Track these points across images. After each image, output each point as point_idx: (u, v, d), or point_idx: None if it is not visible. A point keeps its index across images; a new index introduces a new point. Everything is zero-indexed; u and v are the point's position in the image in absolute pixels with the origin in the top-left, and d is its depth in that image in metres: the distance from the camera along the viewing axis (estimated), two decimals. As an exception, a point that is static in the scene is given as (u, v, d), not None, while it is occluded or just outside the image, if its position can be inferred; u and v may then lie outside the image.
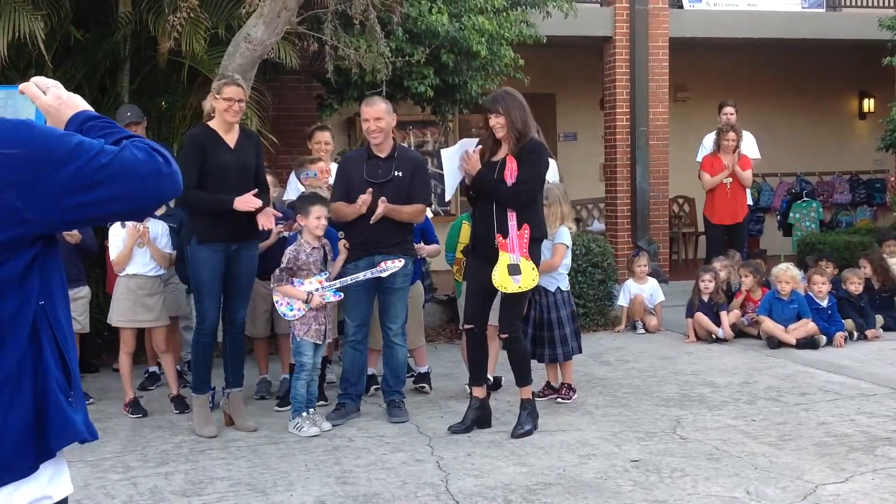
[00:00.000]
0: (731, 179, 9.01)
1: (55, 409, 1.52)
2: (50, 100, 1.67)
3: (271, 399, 6.20)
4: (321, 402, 5.87)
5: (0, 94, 1.74)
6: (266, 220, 5.29)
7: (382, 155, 5.57)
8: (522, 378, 5.37)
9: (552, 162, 7.11)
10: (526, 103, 5.30)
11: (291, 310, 5.38)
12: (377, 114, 5.49)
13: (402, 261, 5.42)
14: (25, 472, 1.51)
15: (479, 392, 5.44)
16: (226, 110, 5.26)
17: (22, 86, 1.68)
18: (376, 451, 5.00)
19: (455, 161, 5.37)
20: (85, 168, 1.46)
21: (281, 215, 5.61)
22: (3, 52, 6.41)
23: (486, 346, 5.48)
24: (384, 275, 5.38)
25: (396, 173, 5.53)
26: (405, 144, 7.74)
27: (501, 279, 5.14)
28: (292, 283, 5.38)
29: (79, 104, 1.69)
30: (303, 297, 5.33)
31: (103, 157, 1.49)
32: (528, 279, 5.16)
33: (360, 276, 5.40)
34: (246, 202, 5.21)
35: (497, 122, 5.23)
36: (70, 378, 1.57)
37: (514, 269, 5.14)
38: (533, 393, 5.97)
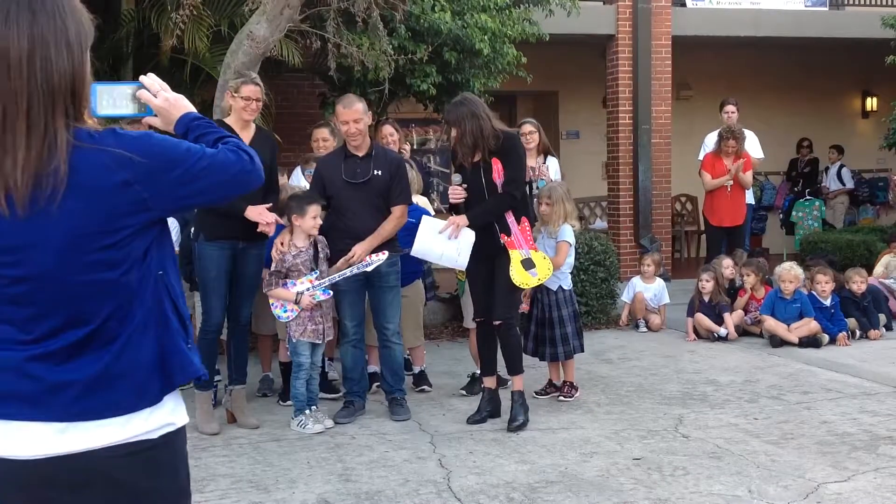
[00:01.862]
0: (731, 182, 9.00)
1: (176, 351, 1.92)
2: (160, 102, 2.03)
3: (274, 396, 6.21)
4: (333, 397, 5.94)
5: (122, 89, 2.03)
6: (266, 228, 5.29)
7: (360, 154, 5.55)
8: (515, 367, 5.46)
9: (554, 160, 7.16)
10: (480, 108, 5.29)
11: (285, 311, 5.40)
12: (355, 115, 5.45)
13: (386, 253, 5.39)
14: (154, 400, 1.89)
15: (491, 382, 5.60)
16: (243, 108, 5.28)
17: (139, 93, 2.01)
18: (378, 449, 5.00)
19: (436, 242, 5.35)
20: (192, 168, 1.87)
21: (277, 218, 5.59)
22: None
23: (495, 338, 5.56)
24: (369, 269, 5.36)
25: (375, 172, 5.50)
26: (406, 144, 7.71)
27: (521, 277, 5.26)
28: (285, 284, 5.39)
29: (183, 105, 2.06)
30: (292, 298, 5.34)
31: (204, 160, 1.89)
32: (543, 269, 5.31)
33: (347, 271, 5.38)
34: (259, 214, 5.22)
35: (454, 132, 5.34)
36: (186, 329, 1.97)
37: (528, 264, 5.27)
38: (534, 393, 6.01)
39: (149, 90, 2.02)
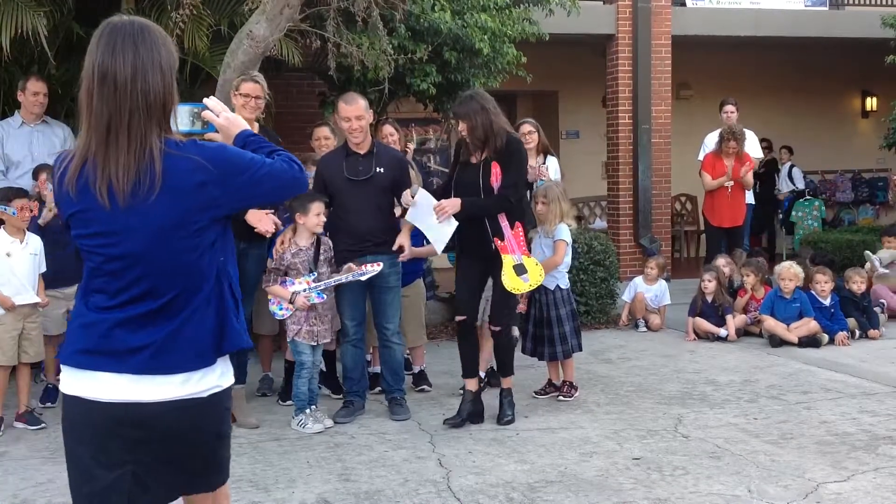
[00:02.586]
0: (731, 183, 9.00)
1: (230, 325, 2.38)
2: (222, 121, 2.51)
3: (273, 396, 6.21)
4: (337, 397, 5.94)
5: (191, 109, 2.54)
6: (264, 229, 5.30)
7: (361, 152, 5.55)
8: (508, 369, 5.55)
9: (554, 159, 7.16)
10: (490, 103, 5.30)
11: (281, 309, 5.42)
12: (358, 112, 5.45)
13: (381, 264, 5.37)
14: (210, 362, 2.35)
15: (472, 385, 5.53)
16: (243, 106, 5.30)
17: (204, 113, 2.48)
18: (378, 449, 5.00)
19: (426, 216, 5.35)
20: (255, 174, 2.32)
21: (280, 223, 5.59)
22: (6, 49, 6.41)
23: (475, 338, 5.62)
24: (363, 278, 5.35)
25: (378, 170, 5.50)
26: (411, 144, 7.71)
27: (512, 282, 5.26)
28: (284, 282, 5.39)
29: (240, 124, 2.53)
30: (287, 297, 5.35)
31: (264, 167, 2.34)
32: (535, 275, 5.29)
33: (342, 278, 5.38)
34: (259, 220, 5.22)
35: (462, 127, 5.32)
36: (237, 305, 2.44)
37: (520, 269, 5.26)
38: (534, 393, 6.00)
39: (212, 111, 2.50)
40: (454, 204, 5.29)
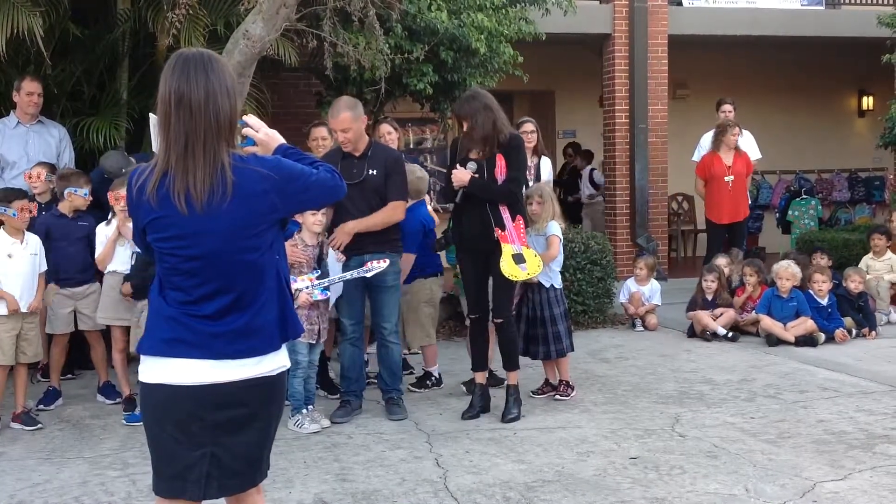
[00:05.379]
0: (732, 177, 8.99)
1: (291, 314, 2.71)
2: (262, 136, 2.79)
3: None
4: (334, 397, 5.94)
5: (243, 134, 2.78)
6: None
7: (357, 154, 5.57)
8: (514, 362, 5.61)
9: (547, 160, 7.18)
10: (492, 102, 5.39)
11: None
12: (341, 125, 5.44)
13: (388, 260, 5.39)
14: (277, 347, 2.66)
15: (481, 377, 5.68)
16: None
17: (245, 129, 2.76)
18: (375, 448, 5.00)
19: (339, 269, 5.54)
20: (304, 182, 2.62)
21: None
22: (1, 49, 6.39)
23: (487, 333, 5.71)
24: (369, 275, 5.35)
25: (370, 172, 5.51)
26: (403, 141, 7.69)
27: (510, 269, 5.35)
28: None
29: (277, 138, 2.80)
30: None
31: (313, 177, 2.65)
32: (533, 265, 5.40)
33: (347, 275, 5.39)
34: None
35: (464, 126, 5.42)
36: (291, 297, 2.76)
37: (518, 259, 5.37)
38: (531, 392, 6.00)
39: (252, 127, 2.79)
40: (463, 176, 5.34)
